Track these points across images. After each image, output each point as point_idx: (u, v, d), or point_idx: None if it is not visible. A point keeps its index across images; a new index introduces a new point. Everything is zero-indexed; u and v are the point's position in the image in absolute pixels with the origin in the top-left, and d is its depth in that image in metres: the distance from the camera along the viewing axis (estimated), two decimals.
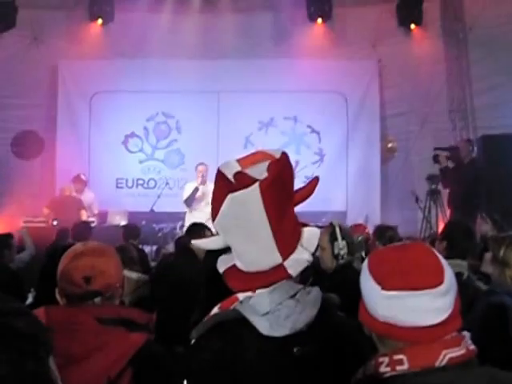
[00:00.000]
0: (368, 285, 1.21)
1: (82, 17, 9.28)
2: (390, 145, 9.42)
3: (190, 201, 7.40)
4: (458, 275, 2.70)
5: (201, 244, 1.56)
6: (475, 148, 8.22)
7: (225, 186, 1.34)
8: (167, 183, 9.18)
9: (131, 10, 9.21)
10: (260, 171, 1.33)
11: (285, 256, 1.35)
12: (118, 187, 9.30)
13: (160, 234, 8.93)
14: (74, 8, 9.37)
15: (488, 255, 2.72)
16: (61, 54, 9.32)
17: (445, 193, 8.47)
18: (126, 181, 9.39)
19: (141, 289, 3.21)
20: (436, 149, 8.15)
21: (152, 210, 8.81)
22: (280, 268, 1.34)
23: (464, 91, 9.26)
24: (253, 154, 1.40)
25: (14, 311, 0.78)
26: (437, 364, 1.13)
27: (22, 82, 9.06)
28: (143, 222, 8.51)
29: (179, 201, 8.73)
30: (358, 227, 5.57)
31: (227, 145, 8.83)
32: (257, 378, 1.30)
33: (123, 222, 8.69)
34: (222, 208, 1.33)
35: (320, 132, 9.38)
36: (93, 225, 8.16)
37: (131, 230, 6.09)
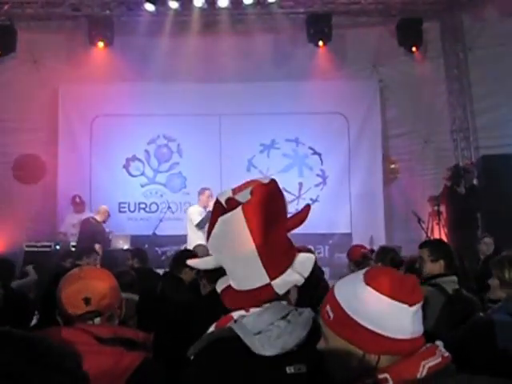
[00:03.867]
0: (391, 310, 1.22)
1: (81, 40, 9.24)
2: (392, 166, 9.43)
3: (203, 224, 7.35)
4: (458, 291, 3.22)
5: (193, 264, 1.65)
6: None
7: (218, 211, 1.47)
8: (169, 207, 9.12)
9: (131, 34, 9.23)
10: (245, 195, 1.44)
11: (273, 276, 1.41)
12: (120, 211, 9.23)
13: (163, 258, 8.93)
14: (74, 32, 9.36)
15: (494, 282, 2.72)
16: (61, 77, 9.29)
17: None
18: (128, 205, 9.34)
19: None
20: (456, 167, 8.30)
21: (154, 234, 8.81)
22: (268, 287, 1.41)
23: (465, 111, 9.32)
24: (246, 182, 1.50)
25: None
26: (418, 376, 1.18)
27: (23, 106, 9.04)
28: (146, 246, 8.50)
29: (182, 224, 8.71)
30: (356, 247, 5.72)
31: (230, 168, 8.81)
32: None
33: (126, 246, 8.69)
34: (214, 230, 1.45)
35: (322, 154, 9.38)
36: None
37: (141, 254, 6.08)
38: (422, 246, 3.59)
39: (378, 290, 1.23)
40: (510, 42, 8.49)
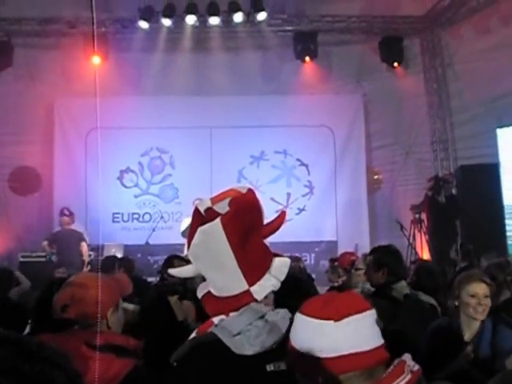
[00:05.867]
0: (317, 329, 1.21)
1: (77, 56, 9.42)
2: (375, 176, 9.85)
3: (185, 232, 7.64)
4: (406, 297, 3.22)
5: (174, 273, 1.71)
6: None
7: (198, 220, 1.51)
8: (162, 217, 9.42)
9: (125, 50, 9.53)
10: (224, 206, 1.48)
11: (251, 282, 1.47)
12: (114, 221, 9.51)
13: (155, 266, 9.17)
14: (70, 48, 9.59)
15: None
16: (57, 91, 9.57)
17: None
18: (122, 215, 9.63)
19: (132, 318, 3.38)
20: (436, 177, 8.66)
21: (147, 243, 9.07)
22: (247, 293, 1.47)
23: (445, 123, 9.76)
24: (224, 191, 1.54)
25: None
26: None
27: (19, 120, 9.29)
28: (139, 255, 8.77)
29: (174, 233, 8.97)
30: (345, 255, 5.94)
31: (221, 179, 9.13)
32: None
33: (119, 255, 8.93)
34: (193, 240, 1.50)
35: (309, 165, 9.77)
36: (89, 258, 8.47)
37: (127, 263, 6.28)
38: (370, 253, 3.58)
39: (303, 314, 1.25)
40: (484, 58, 8.87)
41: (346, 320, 1.20)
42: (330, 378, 1.18)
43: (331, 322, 1.20)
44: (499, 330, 2.77)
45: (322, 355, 1.19)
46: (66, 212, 8.65)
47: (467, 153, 9.39)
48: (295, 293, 2.31)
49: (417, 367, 1.21)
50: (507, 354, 2.64)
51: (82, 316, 1.69)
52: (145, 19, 9.22)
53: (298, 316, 1.26)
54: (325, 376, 1.19)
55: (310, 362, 1.20)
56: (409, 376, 1.18)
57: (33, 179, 9.63)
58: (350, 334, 1.19)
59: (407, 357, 1.23)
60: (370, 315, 1.24)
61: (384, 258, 3.37)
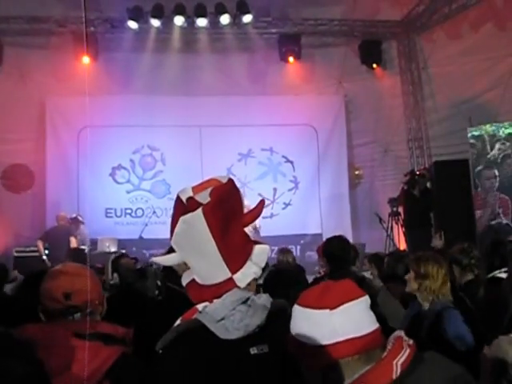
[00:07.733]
0: (314, 319, 1.26)
1: (67, 55, 9.53)
2: (356, 172, 10.46)
3: None
4: (363, 279, 3.39)
5: (159, 260, 1.72)
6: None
7: (180, 209, 1.51)
8: (154, 212, 9.75)
9: (115, 50, 9.74)
10: (205, 196, 1.48)
11: (233, 270, 1.48)
12: (107, 216, 9.79)
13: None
14: (59, 47, 9.63)
15: (410, 275, 3.00)
16: (48, 90, 9.69)
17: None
18: (115, 210, 9.90)
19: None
20: (412, 172, 9.23)
21: (141, 237, 9.42)
22: (230, 281, 1.48)
23: (419, 123, 10.39)
24: (206, 180, 1.55)
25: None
26: (394, 377, 1.21)
27: (11, 118, 9.37)
28: (134, 249, 9.13)
29: (167, 228, 9.31)
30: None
31: (211, 175, 9.45)
32: (220, 379, 1.42)
33: (113, 249, 9.26)
34: (176, 229, 1.49)
35: (294, 161, 10.29)
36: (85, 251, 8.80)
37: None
38: None
39: (301, 305, 1.30)
40: (456, 62, 9.49)
41: (340, 308, 1.25)
42: (330, 365, 1.24)
43: (327, 310, 1.25)
44: (446, 315, 2.77)
45: (320, 343, 1.24)
46: (80, 218, 8.83)
47: (440, 150, 10.04)
48: (287, 282, 2.64)
49: (411, 341, 1.28)
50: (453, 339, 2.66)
51: (84, 303, 1.71)
52: (134, 19, 9.40)
53: (296, 307, 1.30)
54: (324, 363, 1.24)
55: (309, 350, 1.25)
56: (408, 351, 1.24)
57: (25, 176, 9.74)
58: (344, 321, 1.24)
59: (401, 332, 1.30)
60: (363, 301, 1.29)
61: (325, 249, 3.60)
